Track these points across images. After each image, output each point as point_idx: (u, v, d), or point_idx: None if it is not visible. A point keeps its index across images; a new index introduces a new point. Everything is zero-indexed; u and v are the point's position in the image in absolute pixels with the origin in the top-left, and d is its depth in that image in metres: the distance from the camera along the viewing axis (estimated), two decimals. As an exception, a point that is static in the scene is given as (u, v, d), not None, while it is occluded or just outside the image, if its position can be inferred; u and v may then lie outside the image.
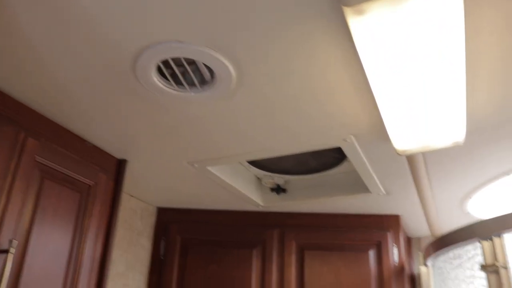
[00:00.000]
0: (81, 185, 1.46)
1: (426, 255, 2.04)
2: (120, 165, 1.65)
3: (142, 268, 2.05)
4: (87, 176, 1.48)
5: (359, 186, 1.87)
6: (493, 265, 1.55)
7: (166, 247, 2.10)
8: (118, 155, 1.62)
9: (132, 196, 2.04)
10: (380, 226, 2.16)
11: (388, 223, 2.17)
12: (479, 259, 1.62)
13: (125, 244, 1.97)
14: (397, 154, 1.47)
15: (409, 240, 2.59)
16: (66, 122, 1.39)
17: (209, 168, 1.67)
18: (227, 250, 2.09)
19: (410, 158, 1.59)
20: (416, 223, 2.39)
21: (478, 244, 1.63)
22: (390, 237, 2.13)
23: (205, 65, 1.09)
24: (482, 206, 2.14)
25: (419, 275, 2.36)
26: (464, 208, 2.15)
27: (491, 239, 1.58)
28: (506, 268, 1.53)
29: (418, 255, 2.47)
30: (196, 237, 2.13)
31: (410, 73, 1.00)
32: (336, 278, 2.05)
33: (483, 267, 1.57)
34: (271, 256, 2.07)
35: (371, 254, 2.10)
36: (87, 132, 1.45)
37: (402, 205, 2.07)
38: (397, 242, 2.15)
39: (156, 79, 1.13)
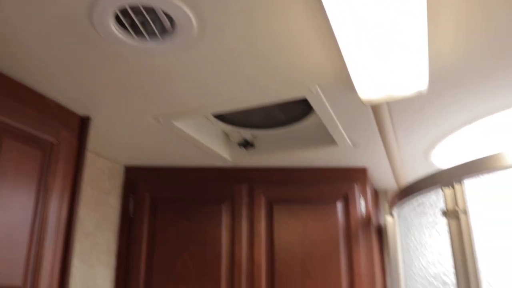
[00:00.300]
0: (43, 143, 1.42)
1: (392, 204, 2.10)
2: (83, 123, 1.61)
3: (112, 227, 2.05)
4: (49, 134, 1.45)
5: (326, 139, 1.89)
6: (454, 210, 1.60)
7: (135, 206, 2.10)
8: (81, 112, 1.58)
9: (98, 155, 2.01)
10: (347, 179, 2.20)
11: (355, 176, 2.21)
12: (441, 205, 1.68)
13: (93, 203, 1.95)
14: (362, 104, 1.49)
15: (376, 193, 2.65)
16: (23, 77, 1.34)
17: (175, 123, 1.65)
18: (197, 207, 2.10)
19: (375, 109, 1.60)
20: (382, 176, 2.44)
21: (440, 191, 1.68)
22: (357, 189, 2.17)
23: (165, 14, 1.06)
24: (446, 157, 2.20)
25: (385, 225, 2.43)
26: (429, 159, 2.21)
27: (452, 186, 1.63)
28: (465, 213, 1.59)
29: (384, 206, 2.54)
30: (165, 194, 2.12)
31: (373, 20, 0.99)
32: (304, 230, 2.09)
33: (444, 213, 1.63)
34: (240, 211, 2.09)
35: (339, 206, 2.14)
36: (47, 87, 1.41)
37: (368, 158, 2.11)
38: (364, 194, 2.20)
39: (114, 29, 1.10)
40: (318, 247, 2.07)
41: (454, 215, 1.60)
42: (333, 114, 1.59)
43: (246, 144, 1.97)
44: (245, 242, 2.06)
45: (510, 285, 1.50)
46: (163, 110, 1.55)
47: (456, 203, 1.61)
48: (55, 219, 1.44)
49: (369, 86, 1.32)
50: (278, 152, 1.96)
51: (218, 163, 2.13)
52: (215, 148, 1.91)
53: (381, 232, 2.47)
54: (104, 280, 1.96)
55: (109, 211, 2.05)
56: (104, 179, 2.04)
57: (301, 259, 2.05)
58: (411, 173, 2.45)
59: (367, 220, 2.17)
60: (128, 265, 2.02)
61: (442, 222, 1.68)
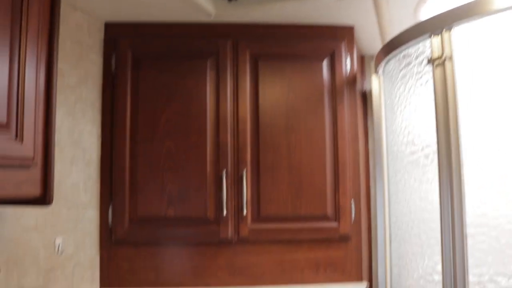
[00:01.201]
0: (12, -22, 1.33)
1: (378, 61, 2.08)
2: (55, -39, 1.50)
3: (95, 82, 2.02)
4: (18, -30, 1.35)
5: (313, -12, 1.82)
6: (440, 57, 1.59)
7: (117, 63, 2.05)
8: (53, -51, 1.47)
9: (76, 9, 1.92)
10: (334, 37, 2.15)
11: (342, 34, 2.16)
12: (428, 54, 1.66)
13: (75, 59, 1.90)
14: None
15: (362, 59, 2.62)
16: None
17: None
18: (181, 62, 2.06)
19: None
20: (369, 39, 2.40)
21: (428, 40, 1.65)
22: (344, 47, 2.14)
23: None
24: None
25: (370, 89, 2.43)
26: (417, 18, 2.15)
27: (441, 33, 1.60)
28: (451, 60, 1.58)
29: (370, 66, 2.52)
30: (148, 50, 2.07)
31: None
32: (289, 86, 2.08)
33: (430, 60, 1.62)
34: (225, 66, 2.06)
35: (324, 63, 2.12)
36: None
37: (356, 14, 2.05)
38: (350, 53, 2.17)
39: None
40: (302, 102, 2.08)
41: (440, 62, 1.59)
42: (321, -47, 1.50)
43: (230, -4, 1.88)
44: (230, 98, 2.05)
45: (487, 132, 1.55)
46: None
47: (442, 49, 1.59)
48: (34, 63, 1.39)
49: None
50: (262, 3, 1.88)
51: (202, 18, 2.05)
52: (198, -2, 1.83)
53: (365, 98, 2.48)
54: (90, 135, 1.97)
55: (91, 68, 2.01)
56: (84, 35, 1.97)
57: (285, 114, 2.06)
58: (399, 35, 2.40)
59: (352, 79, 2.17)
60: (113, 121, 2.02)
61: (429, 71, 1.67)
